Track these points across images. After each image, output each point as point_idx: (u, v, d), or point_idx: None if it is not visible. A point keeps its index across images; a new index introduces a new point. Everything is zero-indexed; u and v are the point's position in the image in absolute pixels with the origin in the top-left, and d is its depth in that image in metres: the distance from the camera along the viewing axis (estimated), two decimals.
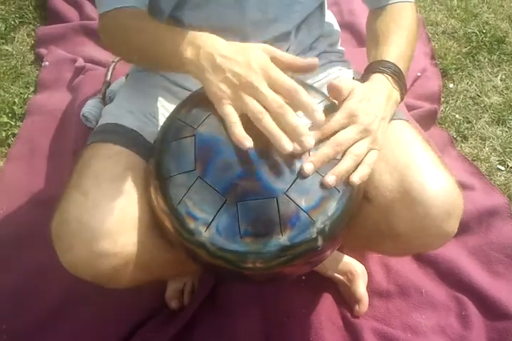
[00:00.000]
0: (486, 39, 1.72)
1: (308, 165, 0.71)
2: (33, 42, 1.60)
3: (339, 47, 1.10)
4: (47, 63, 1.50)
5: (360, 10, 1.75)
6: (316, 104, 0.73)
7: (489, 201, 1.25)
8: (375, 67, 0.83)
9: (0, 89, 1.46)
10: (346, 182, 0.74)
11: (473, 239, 1.20)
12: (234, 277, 0.83)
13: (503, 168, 1.38)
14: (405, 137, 0.84)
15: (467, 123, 1.49)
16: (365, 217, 0.79)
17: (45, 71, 1.48)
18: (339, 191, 0.73)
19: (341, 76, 0.99)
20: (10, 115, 1.41)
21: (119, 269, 0.78)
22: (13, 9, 1.68)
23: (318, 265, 0.84)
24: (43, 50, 1.54)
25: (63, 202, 0.78)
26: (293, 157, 0.72)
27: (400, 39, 0.89)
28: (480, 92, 1.57)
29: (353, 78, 0.98)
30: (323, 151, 0.72)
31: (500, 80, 1.61)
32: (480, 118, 1.50)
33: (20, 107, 1.43)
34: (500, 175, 1.36)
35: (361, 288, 1.08)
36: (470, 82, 1.60)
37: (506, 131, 1.47)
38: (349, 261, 1.10)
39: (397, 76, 0.83)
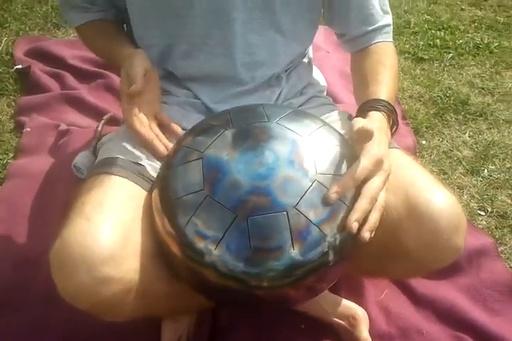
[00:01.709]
0: (451, 101, 1.82)
1: (355, 226, 0.73)
2: (12, 112, 1.62)
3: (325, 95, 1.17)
4: (28, 129, 1.51)
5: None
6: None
7: (476, 241, 1.26)
8: (371, 105, 0.89)
9: None
10: (355, 196, 0.75)
11: (465, 278, 1.20)
12: (243, 301, 0.80)
13: (483, 213, 1.41)
14: (404, 161, 0.88)
15: (443, 174, 1.53)
16: (374, 238, 0.78)
17: (26, 137, 1.49)
18: (348, 205, 0.74)
19: (340, 117, 1.03)
20: None
21: (120, 297, 0.75)
22: None
23: (328, 286, 0.81)
24: (24, 118, 1.56)
25: (65, 228, 0.77)
26: (301, 171, 0.74)
27: (388, 79, 0.96)
28: (452, 147, 1.63)
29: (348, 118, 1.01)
30: (362, 206, 0.74)
31: (469, 136, 1.68)
32: (455, 170, 1.55)
33: (0, 172, 1.41)
34: (481, 220, 1.39)
35: (364, 332, 1.05)
36: (441, 139, 1.67)
37: (481, 180, 1.51)
38: (349, 305, 1.07)
39: (391, 113, 0.89)
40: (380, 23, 1.01)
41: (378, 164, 0.76)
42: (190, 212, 0.73)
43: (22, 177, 1.35)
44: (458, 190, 1.48)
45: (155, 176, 0.87)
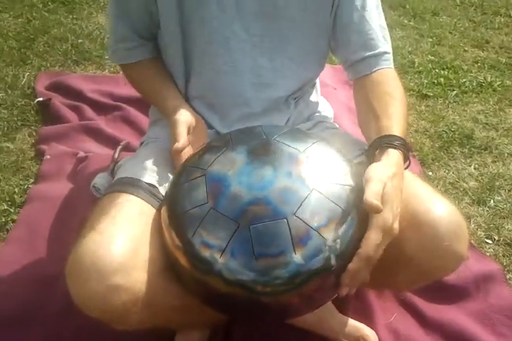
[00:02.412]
0: (456, 136, 1.88)
1: (344, 291, 0.79)
2: (33, 141, 1.68)
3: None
4: (48, 157, 1.56)
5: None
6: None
7: (484, 267, 1.29)
8: (387, 142, 0.88)
9: (1, 182, 1.51)
10: (355, 203, 0.78)
11: (473, 303, 1.22)
12: (249, 309, 0.83)
13: (490, 241, 1.44)
14: (405, 175, 0.90)
15: None
16: None
17: (46, 163, 1.54)
18: (347, 212, 0.77)
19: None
20: (10, 203, 1.44)
21: (128, 305, 0.79)
22: (15, 113, 1.78)
23: (332, 295, 0.84)
24: (44, 147, 1.62)
25: (79, 241, 0.81)
26: (299, 181, 0.78)
27: (399, 112, 0.95)
28: (458, 178, 1.68)
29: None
30: (358, 281, 0.79)
31: (474, 169, 1.73)
32: (462, 200, 1.59)
33: (20, 196, 1.46)
34: (489, 248, 1.41)
35: None
36: (447, 171, 1.71)
37: (487, 210, 1.55)
38: (358, 326, 1.09)
39: (407, 150, 0.89)
40: (380, 50, 1.04)
41: (387, 231, 0.77)
42: (196, 224, 0.77)
43: (41, 200, 1.40)
44: (465, 219, 1.51)
45: None
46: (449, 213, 0.86)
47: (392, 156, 0.86)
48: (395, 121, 0.93)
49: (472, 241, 1.41)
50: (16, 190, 1.48)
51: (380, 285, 1.08)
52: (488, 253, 1.39)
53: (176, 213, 0.81)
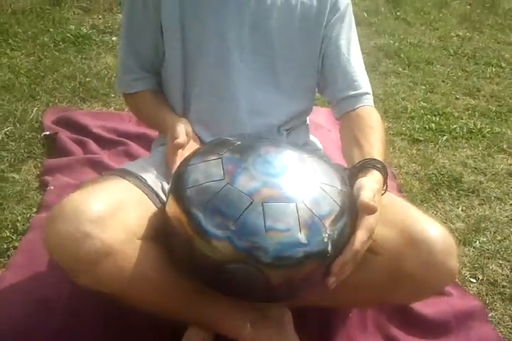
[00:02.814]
0: (445, 179, 1.95)
1: (332, 284, 0.88)
2: (38, 172, 1.75)
3: None
4: (51, 187, 1.63)
5: None
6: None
7: (466, 305, 1.33)
8: (372, 164, 1.00)
9: (5, 210, 1.56)
10: (352, 202, 0.90)
11: (455, 339, 1.25)
12: (242, 281, 0.88)
13: (474, 280, 1.49)
14: (396, 199, 1.01)
15: None
16: (376, 269, 0.94)
17: (49, 194, 1.61)
18: (343, 211, 0.88)
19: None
20: (12, 230, 1.49)
21: (99, 256, 0.86)
22: (23, 145, 1.86)
23: (316, 286, 0.92)
24: (48, 178, 1.68)
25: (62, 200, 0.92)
26: (308, 177, 0.91)
27: (378, 140, 1.09)
28: (445, 219, 1.74)
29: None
30: (345, 272, 0.88)
31: (461, 211, 1.79)
32: None
33: (23, 224, 1.52)
34: (472, 287, 1.46)
35: None
36: (435, 212, 1.77)
37: (473, 251, 1.60)
38: None
39: (386, 173, 1.01)
40: (362, 90, 1.19)
41: (371, 235, 0.89)
42: (211, 195, 0.85)
43: (43, 229, 1.45)
44: None
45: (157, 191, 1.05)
46: (442, 233, 0.97)
47: (376, 175, 0.98)
48: (376, 148, 1.05)
49: (456, 280, 1.46)
50: (19, 218, 1.54)
51: (383, 300, 1.13)
52: (471, 292, 1.43)
53: (187, 185, 0.88)
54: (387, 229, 0.95)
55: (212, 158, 0.91)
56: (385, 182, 0.99)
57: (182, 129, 1.08)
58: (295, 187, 0.88)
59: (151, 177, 1.07)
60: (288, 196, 0.87)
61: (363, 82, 1.20)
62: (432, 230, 0.97)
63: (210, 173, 0.88)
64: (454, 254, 0.97)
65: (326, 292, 0.90)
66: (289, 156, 0.94)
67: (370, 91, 1.21)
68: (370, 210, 0.87)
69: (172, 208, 0.90)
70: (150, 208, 1.01)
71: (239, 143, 0.95)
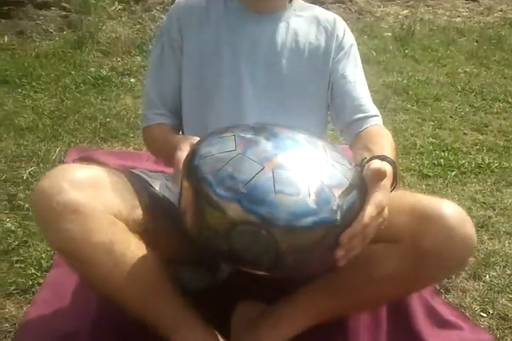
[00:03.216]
0: None
1: (341, 258, 0.90)
2: None
3: None
4: None
5: None
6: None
7: (478, 338, 1.37)
8: (382, 157, 1.03)
9: (30, 247, 1.64)
10: (361, 180, 0.94)
11: None
12: (259, 245, 0.88)
13: (485, 315, 1.52)
14: (405, 192, 1.12)
15: (448, 278, 1.66)
16: (399, 257, 1.02)
17: None
18: (353, 186, 0.92)
19: None
20: (37, 267, 1.56)
21: (67, 211, 0.96)
22: None
23: (325, 260, 0.92)
24: None
25: None
26: (319, 154, 0.95)
27: (387, 144, 1.16)
28: None
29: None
30: (354, 247, 0.91)
31: None
32: (459, 275, 1.67)
33: (47, 261, 1.59)
34: (483, 321, 1.49)
35: None
36: None
37: (483, 285, 1.64)
38: None
39: (395, 167, 1.04)
40: (369, 113, 1.27)
41: (381, 211, 0.92)
42: (223, 162, 0.89)
43: (66, 266, 1.52)
44: (461, 293, 1.60)
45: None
46: (453, 206, 1.05)
47: (385, 165, 1.00)
48: (385, 150, 1.10)
49: (467, 314, 1.50)
50: (43, 255, 1.61)
51: (408, 290, 1.18)
52: (482, 326, 1.46)
53: (200, 156, 0.92)
54: (401, 216, 1.01)
55: (226, 134, 0.96)
56: (394, 177, 1.02)
57: (187, 143, 1.08)
58: (306, 160, 0.92)
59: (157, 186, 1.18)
60: (298, 166, 0.90)
61: (370, 106, 1.29)
62: (446, 207, 1.03)
63: (223, 146, 0.92)
64: (470, 225, 1.04)
65: (335, 270, 0.94)
66: (301, 136, 0.98)
67: (378, 114, 1.29)
68: (381, 174, 0.91)
69: (185, 179, 0.93)
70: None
71: (252, 124, 1.00)
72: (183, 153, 1.00)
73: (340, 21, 1.36)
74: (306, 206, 0.86)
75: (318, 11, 1.37)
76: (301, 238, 0.87)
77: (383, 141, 1.16)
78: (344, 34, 1.34)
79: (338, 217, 0.88)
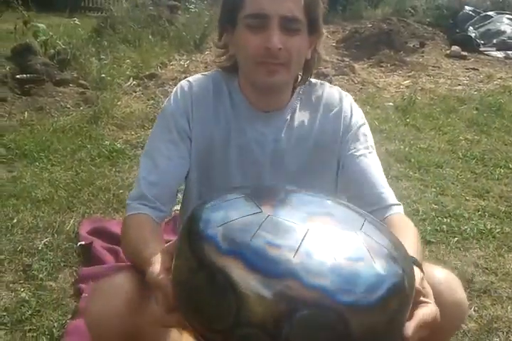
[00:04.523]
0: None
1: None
2: (73, 280, 1.90)
3: None
4: (85, 295, 1.76)
5: None
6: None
7: None
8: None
9: (42, 317, 1.70)
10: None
11: None
12: (326, 333, 0.69)
13: None
14: None
15: None
16: None
17: (83, 301, 1.74)
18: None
19: None
20: (49, 337, 1.61)
21: None
22: (59, 255, 2.03)
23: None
24: (82, 286, 1.83)
25: None
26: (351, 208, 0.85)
27: (414, 237, 1.10)
28: None
29: None
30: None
31: (474, 311, 1.86)
32: None
33: (58, 330, 1.64)
34: None
35: None
36: None
37: None
38: None
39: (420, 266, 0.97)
40: (390, 202, 1.20)
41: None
42: (253, 229, 0.71)
43: (78, 335, 1.57)
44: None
45: None
46: (446, 274, 1.07)
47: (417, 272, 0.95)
48: (413, 244, 1.03)
49: None
50: (55, 324, 1.66)
51: None
52: None
53: (214, 224, 0.74)
54: None
55: (236, 197, 0.80)
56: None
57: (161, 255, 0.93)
58: (347, 218, 0.79)
59: None
60: (344, 224, 0.77)
61: (389, 193, 1.22)
62: (436, 273, 1.06)
63: (241, 208, 0.76)
64: (461, 290, 1.05)
65: None
66: (317, 194, 0.86)
67: (399, 203, 1.23)
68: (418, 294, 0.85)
69: (193, 259, 0.73)
70: None
71: (255, 186, 0.91)
72: (155, 268, 0.88)
73: (347, 101, 1.30)
74: (375, 272, 0.71)
75: (324, 91, 1.30)
76: (376, 314, 0.71)
77: (409, 235, 1.09)
78: (352, 115, 1.28)
79: (406, 283, 0.74)
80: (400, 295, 0.74)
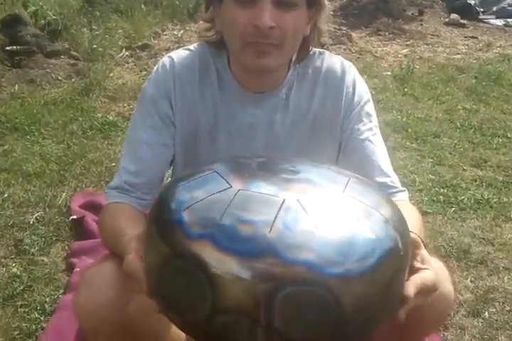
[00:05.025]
0: (453, 250, 2.02)
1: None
2: (65, 254, 1.88)
3: None
4: (77, 269, 1.74)
5: None
6: None
7: None
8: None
9: (34, 292, 1.68)
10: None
11: None
12: (313, 310, 0.63)
13: None
14: None
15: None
16: None
17: (75, 276, 1.72)
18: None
19: None
20: (40, 312, 1.60)
21: None
22: (51, 229, 2.00)
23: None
24: (74, 260, 1.80)
25: None
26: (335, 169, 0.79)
27: (417, 221, 1.01)
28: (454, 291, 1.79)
29: None
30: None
31: (470, 282, 1.85)
32: (457, 312, 1.69)
33: (50, 305, 1.62)
34: None
35: None
36: None
37: (482, 322, 1.65)
38: None
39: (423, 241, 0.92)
40: (393, 190, 1.11)
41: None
42: (222, 207, 0.65)
43: (69, 310, 1.54)
44: (460, 331, 1.61)
45: None
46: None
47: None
48: (415, 227, 0.93)
49: None
50: (47, 299, 1.65)
51: None
52: None
53: (182, 207, 0.68)
54: None
55: (204, 174, 0.73)
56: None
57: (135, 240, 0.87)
58: (326, 180, 0.72)
59: None
60: (324, 189, 0.70)
61: (394, 183, 1.13)
62: None
63: (209, 187, 0.69)
64: (447, 280, 0.97)
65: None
66: (292, 160, 0.80)
67: (403, 189, 1.15)
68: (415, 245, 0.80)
69: (163, 245, 0.68)
70: None
71: (228, 157, 0.83)
72: (132, 258, 0.82)
73: (350, 74, 1.16)
74: (364, 238, 0.65)
75: (323, 62, 1.16)
76: (369, 285, 0.64)
77: (413, 221, 0.94)
78: (355, 90, 1.16)
79: (400, 244, 0.67)
80: (394, 260, 0.67)
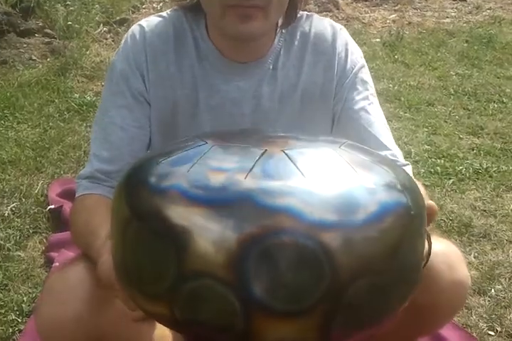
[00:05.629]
0: (454, 224, 1.92)
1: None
2: (43, 248, 1.76)
3: None
4: (57, 264, 1.63)
5: None
6: None
7: None
8: None
9: (10, 291, 1.56)
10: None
11: None
12: (304, 277, 0.50)
13: (492, 333, 1.44)
14: None
15: None
16: None
17: (54, 270, 1.61)
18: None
19: None
20: (18, 312, 1.48)
21: None
22: (28, 221, 1.88)
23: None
24: (53, 254, 1.69)
25: None
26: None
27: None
28: None
29: None
30: None
31: (474, 257, 1.75)
32: None
33: (28, 305, 1.51)
34: (491, 340, 1.41)
35: None
36: None
37: (489, 300, 1.56)
38: None
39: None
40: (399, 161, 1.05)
41: None
42: (194, 159, 0.56)
43: None
44: (466, 311, 1.52)
45: None
46: (444, 248, 0.91)
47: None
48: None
49: (474, 334, 1.41)
50: (25, 298, 1.53)
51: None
52: None
53: (147, 167, 0.60)
54: None
55: (180, 140, 0.66)
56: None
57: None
58: (318, 140, 0.64)
59: None
60: (315, 143, 0.62)
61: (395, 157, 1.05)
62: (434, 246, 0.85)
63: (182, 145, 0.61)
64: (462, 267, 0.92)
65: None
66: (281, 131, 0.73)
67: (407, 163, 1.08)
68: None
69: (127, 196, 0.59)
70: None
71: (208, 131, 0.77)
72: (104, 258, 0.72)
73: (341, 38, 1.06)
74: (361, 186, 0.54)
75: (312, 26, 1.06)
76: (370, 242, 0.52)
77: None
78: (347, 56, 1.05)
79: (409, 200, 0.56)
80: (402, 218, 0.55)
